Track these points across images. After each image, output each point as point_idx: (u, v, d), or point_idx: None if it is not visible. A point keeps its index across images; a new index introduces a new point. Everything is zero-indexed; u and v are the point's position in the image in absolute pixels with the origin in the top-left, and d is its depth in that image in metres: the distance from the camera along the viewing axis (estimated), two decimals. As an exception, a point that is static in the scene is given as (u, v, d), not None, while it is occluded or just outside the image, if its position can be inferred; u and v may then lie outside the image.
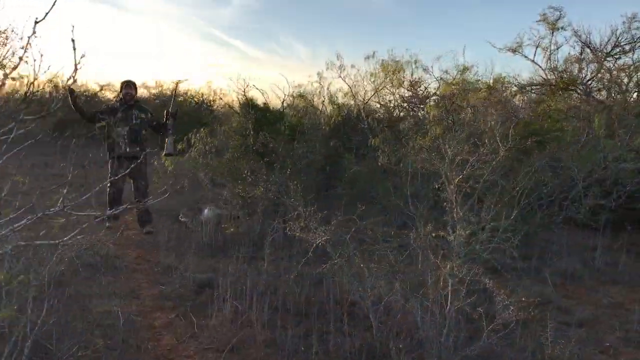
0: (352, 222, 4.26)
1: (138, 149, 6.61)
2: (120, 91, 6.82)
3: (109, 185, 6.66)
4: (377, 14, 36.85)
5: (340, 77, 9.54)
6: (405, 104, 10.63)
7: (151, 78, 24.37)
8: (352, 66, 9.68)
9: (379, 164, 7.18)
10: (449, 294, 3.56)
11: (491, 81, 10.10)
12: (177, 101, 7.89)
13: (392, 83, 10.36)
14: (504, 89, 10.06)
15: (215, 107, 17.51)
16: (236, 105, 8.06)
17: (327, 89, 10.34)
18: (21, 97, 3.27)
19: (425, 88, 10.74)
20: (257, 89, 7.41)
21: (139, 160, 5.23)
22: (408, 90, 10.60)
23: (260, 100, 7.63)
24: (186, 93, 18.45)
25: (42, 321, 3.29)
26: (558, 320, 4.14)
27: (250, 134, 6.63)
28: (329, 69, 9.65)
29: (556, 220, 6.27)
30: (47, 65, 2.63)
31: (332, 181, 7.07)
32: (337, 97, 10.28)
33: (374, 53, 10.36)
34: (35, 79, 2.65)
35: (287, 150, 6.62)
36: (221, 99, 16.95)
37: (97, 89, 18.21)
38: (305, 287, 4.50)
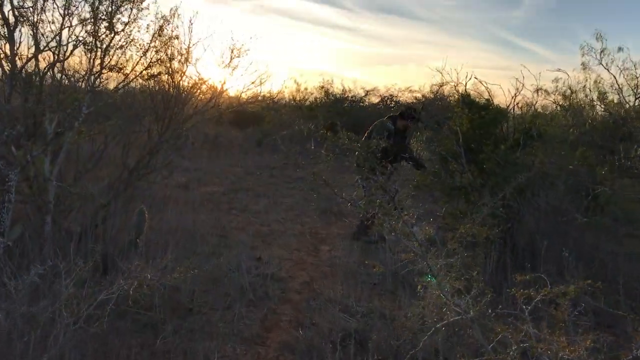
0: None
1: None
2: (402, 118, 6.13)
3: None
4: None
5: (601, 64, 7.29)
6: None
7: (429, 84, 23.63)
8: (620, 49, 7.29)
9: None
10: None
11: None
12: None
13: None
14: None
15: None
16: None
17: (595, 82, 8.13)
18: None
19: None
20: (479, 81, 5.89)
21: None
22: None
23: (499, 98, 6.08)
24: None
25: None
26: None
27: (460, 138, 5.25)
28: (585, 55, 7.44)
29: None
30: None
31: (569, 203, 5.22)
32: (606, 93, 7.99)
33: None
34: None
35: (506, 159, 5.08)
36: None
37: (363, 93, 18.29)
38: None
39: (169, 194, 7.78)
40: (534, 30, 34.52)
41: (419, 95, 18.11)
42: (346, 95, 18.38)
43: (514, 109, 5.82)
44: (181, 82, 5.77)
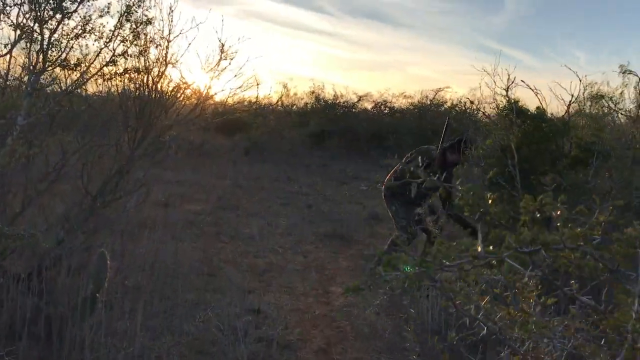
0: None
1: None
2: (453, 151, 4.79)
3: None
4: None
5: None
6: None
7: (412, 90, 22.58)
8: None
9: None
10: None
11: None
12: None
13: None
14: None
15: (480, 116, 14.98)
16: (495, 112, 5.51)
17: (635, 87, 7.09)
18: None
19: None
20: (528, 86, 4.78)
21: None
22: None
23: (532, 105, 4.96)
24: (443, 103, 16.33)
25: None
26: None
27: (513, 155, 4.15)
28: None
29: None
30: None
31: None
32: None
33: None
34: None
35: (570, 182, 4.01)
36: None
37: (355, 99, 17.29)
38: None
39: (146, 216, 6.59)
40: (515, 37, 34.02)
41: (413, 101, 17.13)
42: (338, 101, 17.27)
43: (568, 120, 4.75)
44: (160, 84, 4.62)
